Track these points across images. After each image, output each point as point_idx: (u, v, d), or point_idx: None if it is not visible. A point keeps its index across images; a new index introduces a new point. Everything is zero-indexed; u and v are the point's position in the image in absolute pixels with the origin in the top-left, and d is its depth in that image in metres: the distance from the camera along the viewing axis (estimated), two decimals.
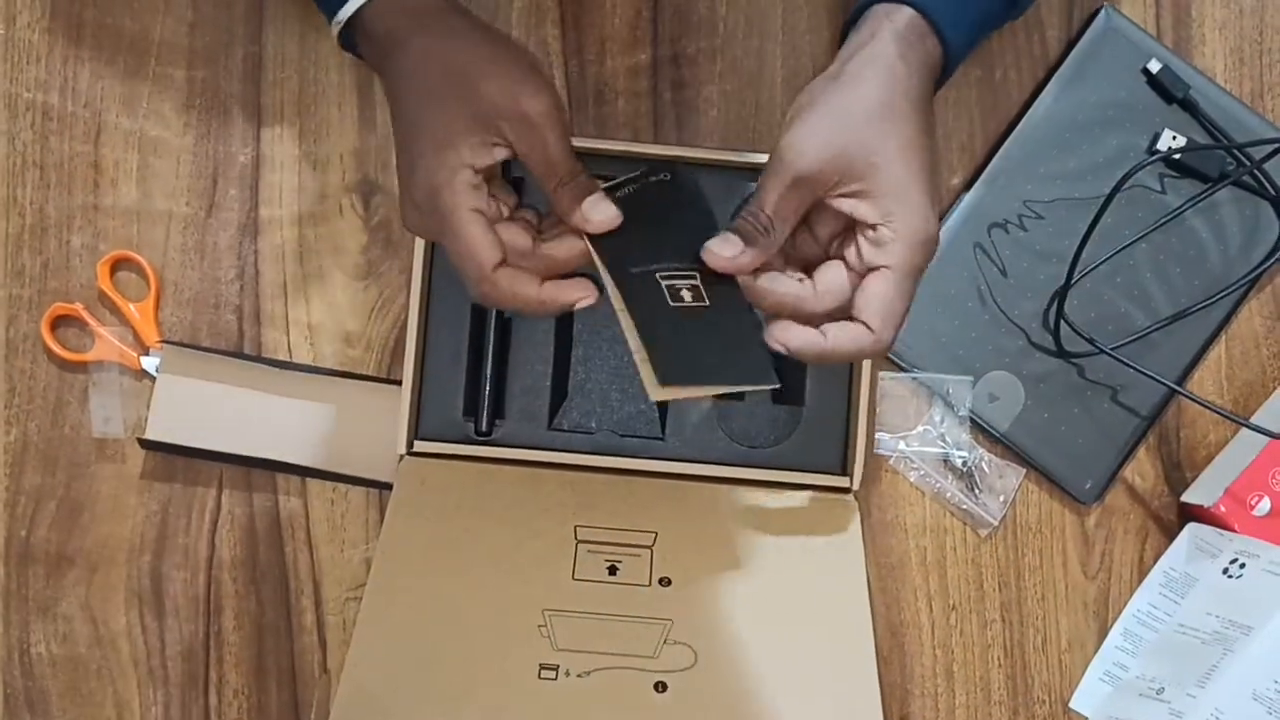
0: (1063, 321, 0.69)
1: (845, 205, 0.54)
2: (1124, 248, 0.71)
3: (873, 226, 0.54)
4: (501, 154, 0.55)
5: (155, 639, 0.69)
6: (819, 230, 0.57)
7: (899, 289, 0.54)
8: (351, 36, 0.59)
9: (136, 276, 0.71)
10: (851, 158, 0.53)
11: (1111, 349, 0.69)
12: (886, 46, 0.55)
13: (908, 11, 0.56)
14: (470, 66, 0.55)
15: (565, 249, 0.56)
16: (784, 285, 0.55)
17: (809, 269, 0.56)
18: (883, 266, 0.54)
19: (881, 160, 0.53)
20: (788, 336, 0.54)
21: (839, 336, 0.54)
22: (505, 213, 0.57)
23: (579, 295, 0.56)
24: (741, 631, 0.61)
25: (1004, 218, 0.71)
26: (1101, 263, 0.70)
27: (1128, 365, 0.69)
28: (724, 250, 0.55)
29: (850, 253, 0.55)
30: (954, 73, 0.59)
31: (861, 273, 0.54)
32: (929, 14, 0.56)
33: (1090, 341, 0.70)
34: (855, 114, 0.54)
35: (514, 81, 0.55)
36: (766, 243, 0.55)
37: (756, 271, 0.55)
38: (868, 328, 0.54)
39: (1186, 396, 0.70)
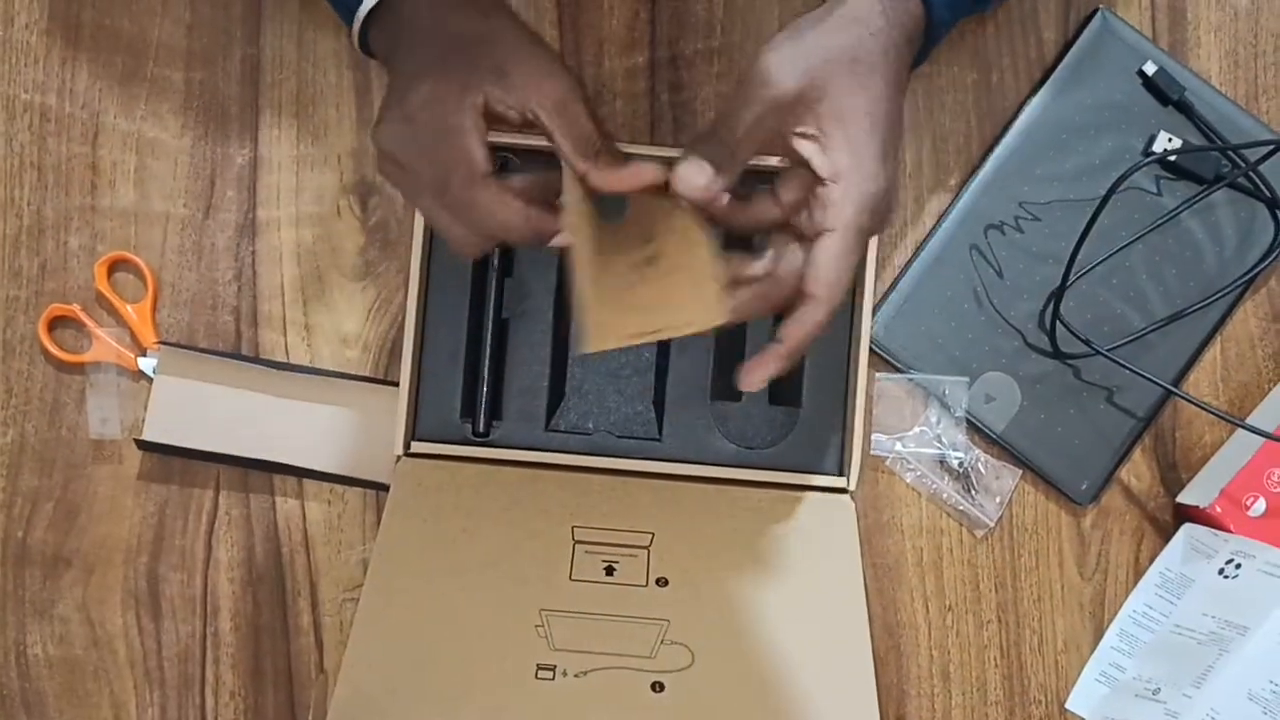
0: (1059, 323, 0.70)
1: (804, 147, 0.54)
2: (1120, 249, 0.71)
3: (823, 182, 0.54)
4: (514, 117, 0.55)
5: (152, 640, 0.69)
6: (783, 193, 0.57)
7: (842, 249, 0.54)
8: (365, 34, 0.59)
9: (134, 278, 0.71)
10: (822, 95, 0.54)
11: (1107, 350, 0.69)
12: (870, 5, 0.55)
13: None
14: (501, 47, 0.55)
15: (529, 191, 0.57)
16: (800, 319, 0.55)
17: (764, 230, 0.57)
18: (828, 230, 0.54)
19: (847, 111, 0.54)
20: (752, 379, 0.56)
21: (792, 331, 0.55)
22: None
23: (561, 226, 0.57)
24: (738, 632, 0.61)
25: (1000, 219, 0.71)
26: (1097, 264, 0.70)
27: (1123, 366, 0.69)
28: (698, 177, 0.55)
29: (803, 217, 0.55)
30: (937, 43, 0.59)
31: (811, 237, 0.55)
32: None
33: (1086, 343, 0.70)
34: (834, 56, 0.54)
35: (542, 65, 0.56)
36: (732, 169, 0.55)
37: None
38: (815, 298, 0.54)
39: (1182, 397, 0.70)
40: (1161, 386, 0.69)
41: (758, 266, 0.57)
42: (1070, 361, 0.71)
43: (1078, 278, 0.70)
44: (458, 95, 0.55)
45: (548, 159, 0.67)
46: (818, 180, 0.54)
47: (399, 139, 0.56)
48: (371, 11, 0.58)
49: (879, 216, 0.55)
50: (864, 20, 0.55)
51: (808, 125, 0.54)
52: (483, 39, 0.56)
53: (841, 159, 0.54)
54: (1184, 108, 0.71)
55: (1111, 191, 0.67)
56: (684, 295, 0.57)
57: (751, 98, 0.54)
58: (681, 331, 0.56)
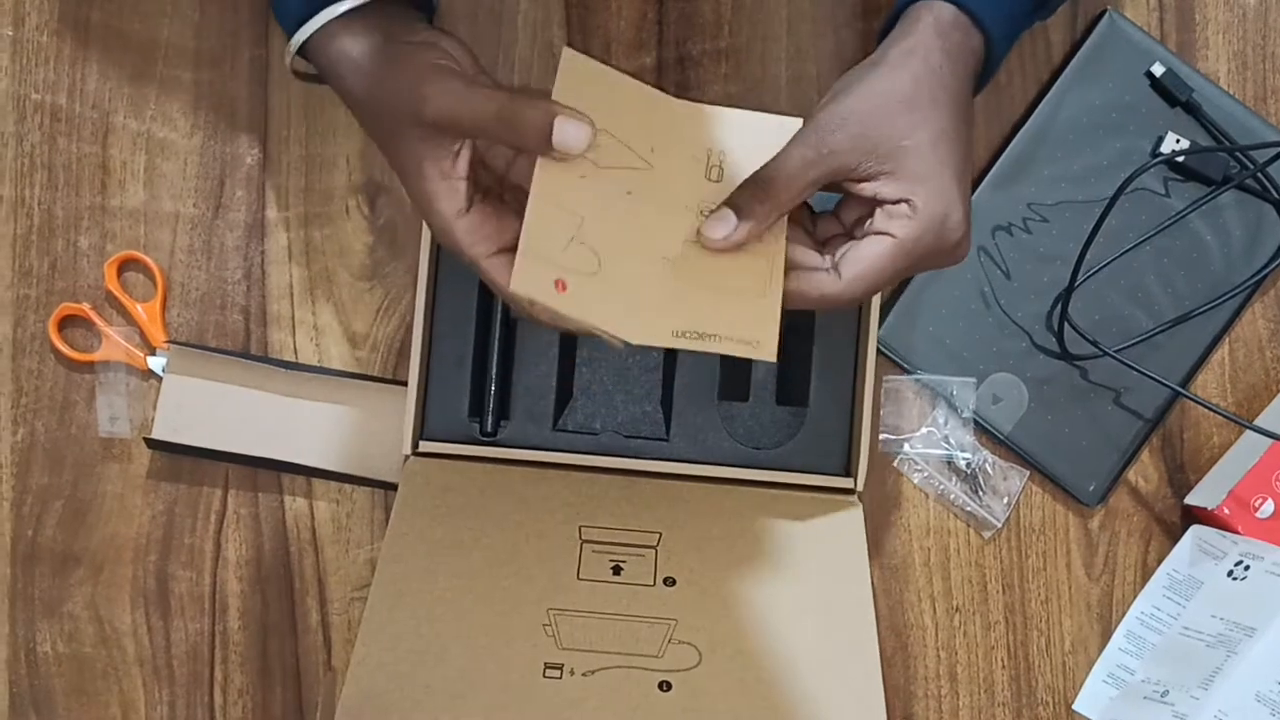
0: (1066, 324, 0.70)
1: (868, 189, 0.54)
2: (1127, 250, 0.71)
3: (894, 201, 0.54)
4: (464, 162, 0.54)
5: (161, 638, 0.70)
6: (844, 214, 0.57)
7: (892, 259, 0.54)
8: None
9: (144, 277, 0.71)
10: (879, 141, 0.53)
11: (1115, 351, 0.69)
12: (927, 38, 0.55)
13: (950, 8, 0.56)
14: (381, 118, 0.55)
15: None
16: (812, 278, 0.55)
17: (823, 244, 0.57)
18: (885, 234, 0.54)
19: (911, 145, 0.53)
20: (715, 229, 0.54)
21: (797, 286, 0.54)
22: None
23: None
24: (746, 631, 0.61)
25: (1008, 220, 0.71)
26: (1105, 265, 0.70)
27: (1131, 368, 0.69)
28: (714, 230, 0.54)
29: (865, 224, 0.55)
30: (998, 67, 0.59)
31: (864, 235, 0.55)
32: (971, 9, 0.56)
33: (1094, 344, 0.70)
34: (891, 100, 0.54)
35: (411, 102, 0.53)
36: (767, 219, 0.54)
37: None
38: (837, 274, 0.54)
39: (1190, 399, 0.70)
40: (1169, 388, 0.69)
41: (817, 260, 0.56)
42: (1078, 363, 0.71)
43: (1085, 279, 0.70)
44: (415, 167, 0.54)
45: None
46: (888, 201, 0.54)
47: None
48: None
49: (944, 245, 0.55)
50: (922, 56, 0.55)
51: (868, 168, 0.54)
52: (379, 114, 0.55)
53: (911, 184, 0.54)
54: (1192, 109, 0.71)
55: (1119, 193, 0.67)
56: (742, 309, 0.55)
57: (806, 145, 0.54)
58: (734, 350, 0.55)
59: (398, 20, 0.58)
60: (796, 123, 0.57)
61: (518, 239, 0.53)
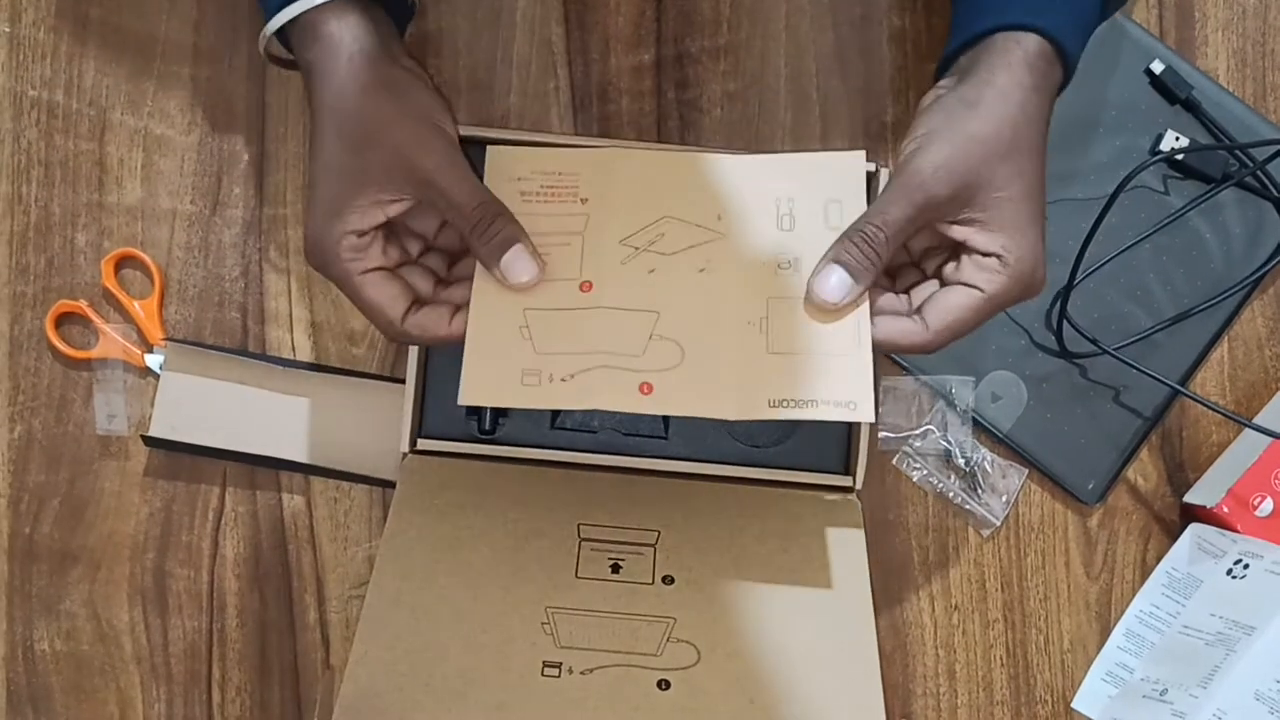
0: (1065, 321, 0.69)
1: (958, 232, 0.54)
2: (1127, 248, 0.71)
3: (984, 253, 0.54)
4: (396, 209, 0.56)
5: (158, 636, 0.69)
6: (914, 243, 0.57)
7: (977, 312, 0.54)
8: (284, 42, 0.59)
9: (141, 274, 0.71)
10: (977, 190, 0.53)
11: (1114, 349, 0.69)
12: (1021, 78, 0.54)
13: (1036, 39, 0.55)
14: (362, 130, 0.55)
15: (461, 294, 0.58)
16: (898, 326, 0.55)
17: (892, 275, 0.57)
18: (975, 287, 0.54)
19: (1007, 197, 0.53)
20: (826, 284, 0.54)
21: (887, 334, 0.55)
22: (414, 253, 0.59)
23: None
24: (744, 630, 0.61)
25: None
26: (1104, 263, 0.70)
27: (1130, 366, 0.69)
28: (839, 293, 0.54)
29: (950, 268, 0.55)
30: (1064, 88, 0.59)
31: (953, 282, 0.55)
32: (1057, 39, 0.55)
33: (1093, 342, 0.70)
34: (990, 150, 0.53)
35: (407, 141, 0.55)
36: (875, 273, 0.54)
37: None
38: (924, 325, 0.54)
39: (1189, 397, 0.70)
40: (1169, 386, 0.69)
41: (901, 303, 0.56)
42: (1077, 361, 0.71)
43: (1084, 277, 0.70)
44: (333, 241, 0.55)
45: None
46: (978, 252, 0.54)
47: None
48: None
49: (1025, 297, 0.55)
50: (1019, 101, 0.54)
51: (963, 214, 0.54)
52: (344, 129, 0.55)
53: (1004, 238, 0.54)
54: (1191, 106, 0.71)
55: (1119, 190, 0.67)
56: (834, 369, 0.54)
57: (906, 198, 0.54)
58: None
59: (383, 25, 0.58)
60: (859, 157, 0.57)
61: (396, 265, 0.56)
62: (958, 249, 0.56)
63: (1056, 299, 0.70)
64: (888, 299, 0.57)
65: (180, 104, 0.71)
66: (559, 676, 0.58)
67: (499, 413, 0.68)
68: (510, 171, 0.60)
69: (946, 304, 0.54)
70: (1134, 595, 0.71)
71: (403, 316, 0.56)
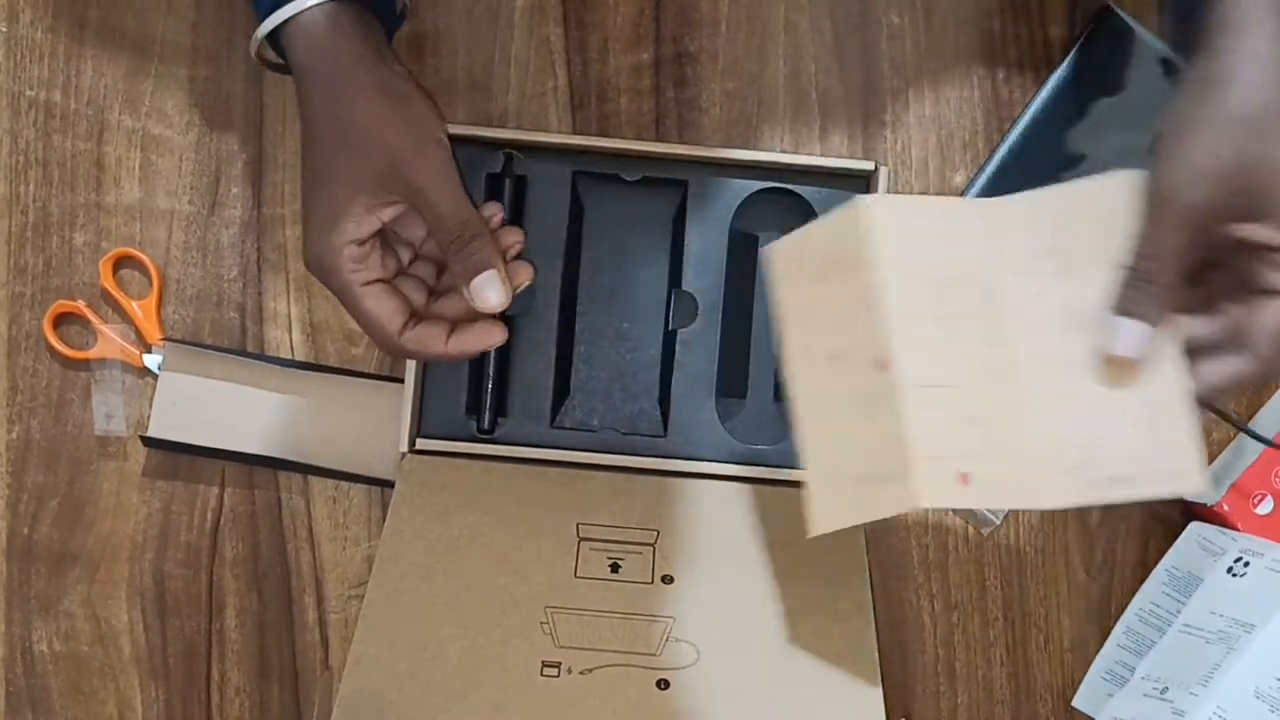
0: None
1: (1247, 231, 0.47)
2: None
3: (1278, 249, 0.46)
4: (389, 214, 0.56)
5: (157, 636, 0.69)
6: (1211, 255, 0.49)
7: None
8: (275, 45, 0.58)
9: (139, 274, 0.71)
10: (1251, 173, 0.45)
11: None
12: (1262, 32, 0.45)
13: None
14: (357, 134, 0.55)
15: (454, 308, 0.58)
16: (1220, 367, 0.48)
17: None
18: None
19: None
20: (1131, 341, 0.47)
21: (1216, 373, 0.48)
22: (405, 261, 0.59)
23: (485, 343, 0.58)
24: (744, 629, 0.61)
25: None
26: None
27: None
28: (1139, 343, 0.47)
29: (1263, 275, 0.47)
30: None
31: (1258, 293, 0.47)
32: None
33: None
34: (1247, 120, 0.45)
35: (405, 148, 0.55)
36: (1163, 312, 0.47)
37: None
38: (1254, 355, 0.47)
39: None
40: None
41: (1210, 328, 0.49)
42: None
43: None
44: (334, 252, 0.55)
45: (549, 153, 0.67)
46: (1271, 249, 0.47)
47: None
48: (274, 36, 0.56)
49: None
50: (1267, 58, 0.45)
51: (1244, 209, 0.46)
52: (338, 133, 0.55)
53: None
54: None
55: None
56: (1151, 433, 0.47)
57: (1164, 221, 0.46)
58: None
59: (376, 30, 0.58)
60: (1136, 177, 0.48)
61: (394, 275, 0.57)
62: (1263, 251, 0.47)
63: None
64: (1194, 325, 0.48)
65: (178, 104, 0.71)
66: (558, 676, 0.58)
67: (498, 412, 0.68)
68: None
69: (1265, 319, 0.47)
70: (1134, 593, 0.71)
71: (400, 330, 0.56)
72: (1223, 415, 0.55)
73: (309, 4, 0.55)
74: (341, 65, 0.56)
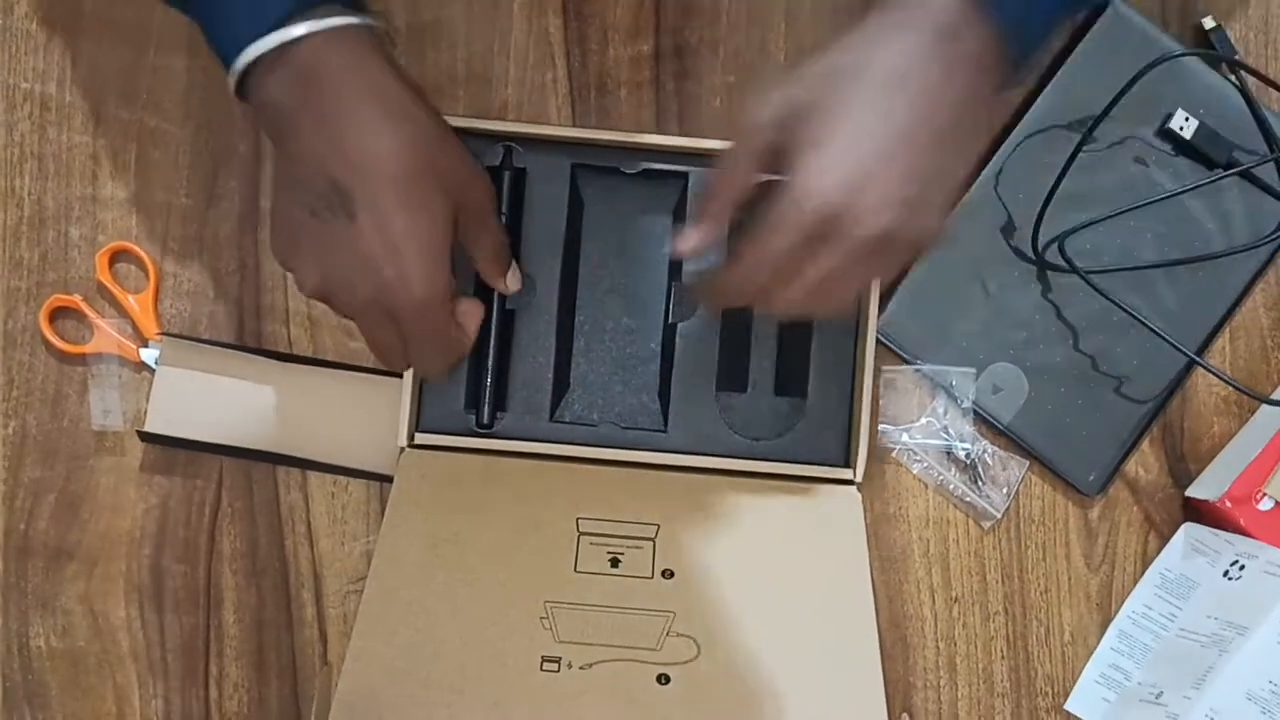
0: (1056, 245, 0.68)
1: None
2: (1123, 212, 0.69)
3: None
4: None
5: (155, 632, 0.69)
6: None
7: (773, 230, 0.50)
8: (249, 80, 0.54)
9: (135, 268, 0.70)
10: (815, 110, 0.49)
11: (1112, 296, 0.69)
12: (923, 12, 0.49)
13: None
14: (437, 157, 0.55)
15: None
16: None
17: None
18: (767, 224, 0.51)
19: (844, 122, 0.49)
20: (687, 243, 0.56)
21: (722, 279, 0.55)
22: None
23: (475, 317, 0.61)
24: (744, 624, 0.61)
25: (1009, 211, 0.71)
26: (1097, 222, 0.69)
27: (1140, 321, 0.68)
28: (680, 244, 0.56)
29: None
30: (1028, 58, 0.54)
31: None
32: None
33: (1080, 274, 0.69)
34: (843, 70, 0.50)
35: (465, 169, 0.57)
36: (715, 211, 0.55)
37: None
38: (739, 258, 0.53)
39: (1203, 366, 0.68)
40: (1184, 353, 0.68)
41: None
42: (1079, 351, 0.70)
43: (1087, 274, 0.69)
44: (440, 204, 0.55)
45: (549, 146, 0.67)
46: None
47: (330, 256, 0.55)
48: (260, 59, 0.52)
49: (851, 220, 0.49)
50: (909, 27, 0.49)
51: (803, 137, 0.50)
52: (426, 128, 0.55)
53: (799, 156, 0.49)
54: (1237, 68, 0.70)
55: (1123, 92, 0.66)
56: None
57: (733, 136, 0.53)
58: None
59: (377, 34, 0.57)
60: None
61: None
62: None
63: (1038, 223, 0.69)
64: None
65: (174, 97, 0.70)
66: (558, 671, 0.58)
67: (497, 406, 0.68)
68: None
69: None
70: (1134, 588, 0.71)
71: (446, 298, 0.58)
72: (1240, 388, 0.55)
73: (330, 23, 0.51)
74: (379, 68, 0.54)
